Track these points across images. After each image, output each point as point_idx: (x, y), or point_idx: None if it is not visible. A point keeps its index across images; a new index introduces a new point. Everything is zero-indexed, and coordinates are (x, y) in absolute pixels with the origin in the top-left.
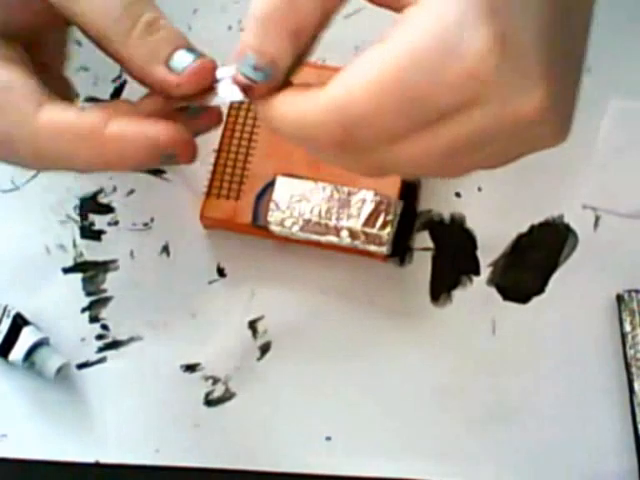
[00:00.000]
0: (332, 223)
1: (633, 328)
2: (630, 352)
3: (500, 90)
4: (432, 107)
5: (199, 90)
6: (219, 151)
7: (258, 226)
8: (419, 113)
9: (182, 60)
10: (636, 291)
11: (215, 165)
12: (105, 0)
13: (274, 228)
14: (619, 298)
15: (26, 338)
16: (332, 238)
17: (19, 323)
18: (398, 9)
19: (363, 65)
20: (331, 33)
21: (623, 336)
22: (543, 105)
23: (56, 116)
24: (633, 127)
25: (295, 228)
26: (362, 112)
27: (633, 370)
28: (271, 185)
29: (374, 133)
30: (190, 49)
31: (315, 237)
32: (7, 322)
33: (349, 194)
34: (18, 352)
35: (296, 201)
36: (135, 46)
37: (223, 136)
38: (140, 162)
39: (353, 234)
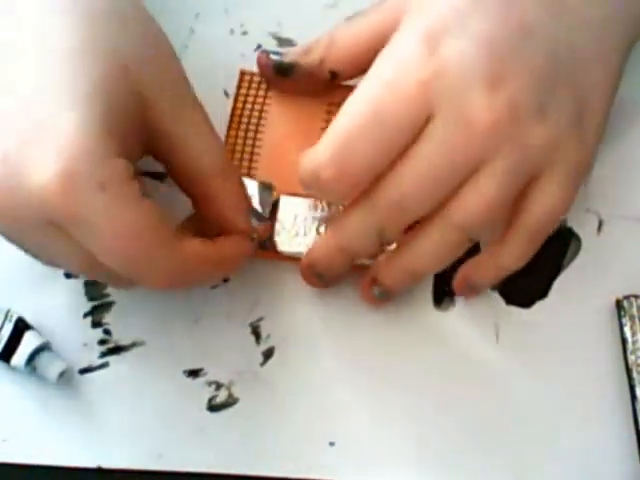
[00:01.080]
0: None
1: (633, 334)
2: (631, 358)
3: (449, 98)
4: (398, 123)
5: None
6: None
7: (265, 248)
8: (390, 133)
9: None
10: (635, 296)
11: None
12: (210, 139)
13: (282, 249)
14: (618, 304)
15: (28, 343)
16: None
17: (21, 328)
18: None
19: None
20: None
21: (623, 342)
22: (501, 113)
23: (197, 247)
24: (637, 130)
25: (303, 248)
26: (347, 137)
27: (635, 376)
28: (274, 205)
29: (362, 159)
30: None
31: None
32: (9, 327)
33: None
34: (20, 357)
35: (301, 220)
36: (228, 194)
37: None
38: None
39: None
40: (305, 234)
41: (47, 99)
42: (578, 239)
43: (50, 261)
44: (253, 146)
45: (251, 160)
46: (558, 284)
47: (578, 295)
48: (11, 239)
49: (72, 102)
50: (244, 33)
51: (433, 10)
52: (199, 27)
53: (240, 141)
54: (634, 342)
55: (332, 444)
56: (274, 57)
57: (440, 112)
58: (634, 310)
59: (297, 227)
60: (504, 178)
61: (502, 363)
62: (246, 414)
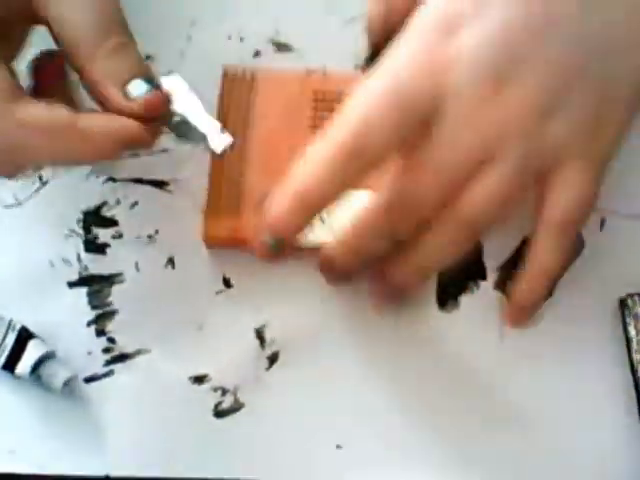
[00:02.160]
0: None
1: (638, 332)
2: (636, 357)
3: (458, 91)
4: (413, 106)
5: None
6: (212, 169)
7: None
8: (405, 114)
9: (138, 88)
10: (639, 295)
11: (210, 183)
12: (83, 13)
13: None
14: (622, 302)
15: (32, 352)
16: None
17: (24, 337)
18: None
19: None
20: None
21: (628, 341)
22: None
23: (33, 111)
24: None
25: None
26: (366, 116)
27: (639, 375)
28: None
29: (377, 137)
30: (148, 80)
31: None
32: (12, 336)
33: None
34: (24, 366)
35: None
36: (97, 65)
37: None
38: (107, 153)
39: None
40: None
41: None
42: (581, 238)
43: None
44: (244, 141)
45: (242, 159)
46: (561, 283)
47: (581, 294)
48: None
49: None
50: (241, 39)
51: None
52: (196, 34)
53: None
54: (639, 341)
55: (339, 447)
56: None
57: (448, 106)
58: (638, 308)
59: None
60: (511, 174)
61: (506, 363)
62: (252, 419)
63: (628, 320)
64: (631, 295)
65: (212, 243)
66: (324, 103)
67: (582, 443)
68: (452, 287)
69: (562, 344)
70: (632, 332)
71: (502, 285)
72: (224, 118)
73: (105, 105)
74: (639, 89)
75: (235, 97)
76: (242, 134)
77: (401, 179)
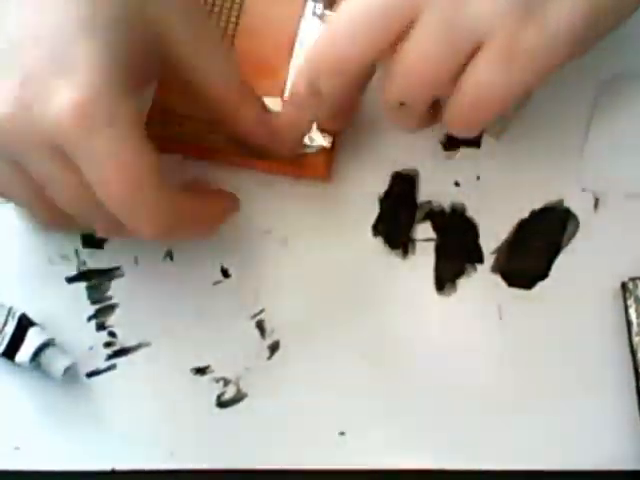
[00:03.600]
0: None
1: (638, 316)
2: (636, 339)
3: None
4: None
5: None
6: None
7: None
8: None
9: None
10: None
11: None
12: (221, 63)
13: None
14: (624, 286)
15: (32, 339)
16: None
17: (25, 324)
18: None
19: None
20: None
21: (628, 324)
22: None
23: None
24: (628, 105)
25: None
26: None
27: (639, 357)
28: None
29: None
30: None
31: None
32: (12, 324)
33: None
34: (24, 353)
35: None
36: (248, 114)
37: None
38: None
39: None
40: None
41: (67, 29)
42: (575, 219)
43: (35, 192)
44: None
45: None
46: (558, 264)
47: (580, 276)
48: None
49: (91, 32)
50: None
51: None
52: None
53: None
54: (639, 323)
55: (342, 434)
56: None
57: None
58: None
59: None
60: (440, 33)
61: (504, 345)
62: (255, 408)
63: (629, 303)
64: (633, 279)
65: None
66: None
67: (581, 425)
68: (449, 270)
69: (563, 325)
70: (633, 315)
71: (499, 267)
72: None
73: (256, 140)
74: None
75: None
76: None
77: None
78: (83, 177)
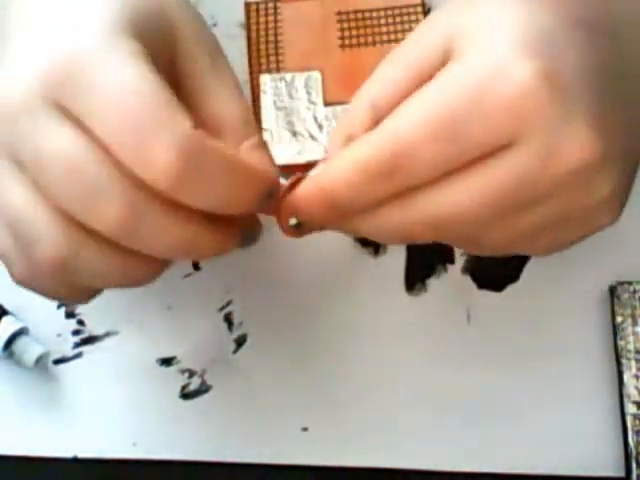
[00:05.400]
0: None
1: (624, 320)
2: (621, 343)
3: (542, 127)
4: (472, 141)
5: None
6: None
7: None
8: (460, 148)
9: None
10: (629, 283)
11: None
12: (231, 107)
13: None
14: (612, 290)
15: (5, 327)
16: None
17: None
18: None
19: (410, 105)
20: None
21: (614, 327)
22: (593, 155)
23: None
24: None
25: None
26: (409, 140)
27: (623, 361)
28: None
29: (418, 165)
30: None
31: None
32: None
33: None
34: None
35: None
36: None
37: None
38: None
39: None
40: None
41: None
42: None
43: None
44: (277, 70)
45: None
46: (530, 269)
47: (569, 280)
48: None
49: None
50: (214, 25)
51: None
52: None
53: (264, 67)
54: (624, 328)
55: (305, 429)
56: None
57: (526, 140)
58: (626, 296)
59: None
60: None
61: (473, 346)
62: (219, 401)
63: (616, 308)
64: (621, 283)
65: None
66: (349, 22)
67: (565, 427)
68: (420, 270)
69: (533, 327)
70: (619, 319)
71: (470, 268)
72: (255, 49)
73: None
74: None
75: (262, 27)
76: (275, 61)
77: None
78: (88, 134)
